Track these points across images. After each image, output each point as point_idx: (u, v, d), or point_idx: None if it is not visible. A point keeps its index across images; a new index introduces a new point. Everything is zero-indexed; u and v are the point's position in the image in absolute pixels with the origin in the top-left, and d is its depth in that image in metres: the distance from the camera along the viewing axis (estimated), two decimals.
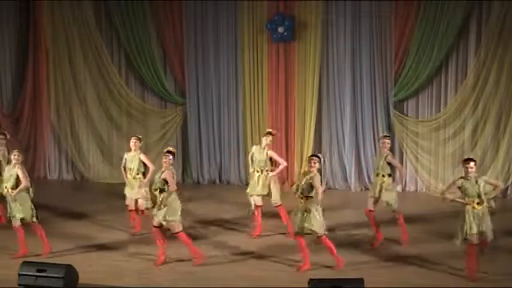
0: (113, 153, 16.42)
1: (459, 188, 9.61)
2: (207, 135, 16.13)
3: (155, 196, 10.20)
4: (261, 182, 11.70)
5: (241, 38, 15.61)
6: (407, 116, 15.23)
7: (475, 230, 9.44)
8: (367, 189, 15.25)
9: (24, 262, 9.14)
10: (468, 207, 9.50)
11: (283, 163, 11.95)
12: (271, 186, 11.73)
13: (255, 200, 11.76)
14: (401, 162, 15.25)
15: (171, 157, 10.20)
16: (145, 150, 15.25)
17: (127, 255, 10.66)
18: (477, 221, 9.46)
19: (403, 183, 15.34)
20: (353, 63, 15.24)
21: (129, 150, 11.94)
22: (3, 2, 16.10)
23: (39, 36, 16.27)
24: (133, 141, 11.86)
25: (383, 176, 11.23)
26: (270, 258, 10.53)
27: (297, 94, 15.52)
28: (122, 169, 11.97)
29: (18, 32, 16.49)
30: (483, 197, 9.49)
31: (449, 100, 14.85)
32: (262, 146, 11.80)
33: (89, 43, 16.16)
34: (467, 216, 9.49)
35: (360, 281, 8.45)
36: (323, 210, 9.93)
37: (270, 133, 12.02)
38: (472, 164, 9.54)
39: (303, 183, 9.87)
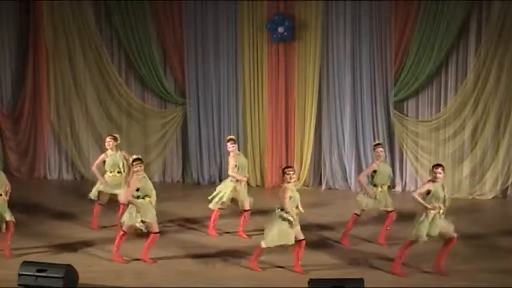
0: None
1: (429, 191, 9.63)
2: (207, 135, 16.13)
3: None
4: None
5: (241, 38, 15.62)
6: (407, 116, 15.23)
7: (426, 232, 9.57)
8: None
9: (24, 262, 9.13)
10: (433, 211, 9.54)
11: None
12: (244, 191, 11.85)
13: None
14: (401, 162, 15.30)
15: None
16: (145, 150, 15.38)
17: (127, 255, 10.65)
18: (435, 224, 9.54)
19: (403, 183, 15.37)
20: (353, 63, 15.23)
21: (106, 149, 12.21)
22: (3, 3, 16.10)
23: (39, 36, 16.26)
24: (107, 141, 12.12)
25: (383, 185, 11.27)
26: (270, 258, 10.50)
27: (297, 94, 15.52)
28: (95, 169, 12.15)
29: (18, 32, 16.48)
30: (446, 203, 9.59)
31: (449, 100, 14.86)
32: (238, 152, 11.87)
33: (89, 43, 16.16)
34: (429, 218, 9.56)
35: (360, 281, 8.45)
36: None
37: (234, 140, 12.00)
38: (440, 169, 9.59)
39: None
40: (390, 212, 11.29)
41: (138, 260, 10.44)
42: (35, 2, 16.19)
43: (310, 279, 8.52)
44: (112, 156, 12.08)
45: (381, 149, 11.34)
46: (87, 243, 11.27)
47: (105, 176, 12.13)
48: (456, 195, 14.58)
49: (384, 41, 15.00)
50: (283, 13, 15.23)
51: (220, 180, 16.03)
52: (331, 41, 15.26)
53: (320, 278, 8.68)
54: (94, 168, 12.20)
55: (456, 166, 14.86)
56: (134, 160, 10.25)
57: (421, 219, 9.55)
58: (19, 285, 8.89)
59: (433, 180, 9.60)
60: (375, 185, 11.23)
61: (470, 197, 14.63)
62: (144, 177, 10.27)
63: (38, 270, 8.83)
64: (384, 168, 11.33)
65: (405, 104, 15.28)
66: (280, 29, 15.11)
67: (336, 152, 15.54)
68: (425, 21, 14.52)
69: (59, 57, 16.37)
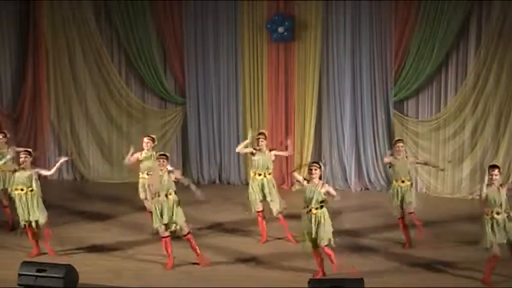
0: (113, 153, 16.43)
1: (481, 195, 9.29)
2: (207, 135, 16.14)
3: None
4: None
5: (241, 38, 15.62)
6: (407, 116, 15.23)
7: (494, 240, 9.18)
8: (367, 189, 15.29)
9: (24, 262, 9.13)
10: (486, 216, 9.26)
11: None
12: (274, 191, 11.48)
13: (259, 206, 11.46)
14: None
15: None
16: None
17: (127, 255, 10.66)
18: (497, 231, 9.16)
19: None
20: (353, 63, 15.24)
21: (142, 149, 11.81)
22: (3, 3, 16.10)
23: (39, 36, 16.27)
24: (145, 142, 11.71)
25: (403, 181, 11.03)
26: (270, 259, 10.52)
27: (297, 94, 15.53)
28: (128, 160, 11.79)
29: (18, 32, 16.49)
30: (504, 206, 9.18)
31: (449, 100, 14.86)
32: (260, 148, 11.49)
33: (89, 43, 16.17)
34: (487, 226, 9.23)
35: (360, 281, 8.45)
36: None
37: (264, 133, 11.74)
38: (496, 171, 9.24)
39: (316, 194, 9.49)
40: (410, 213, 11.06)
41: (138, 260, 10.46)
42: (35, 2, 16.21)
43: (310, 279, 8.52)
44: (147, 157, 11.64)
45: (400, 144, 11.17)
46: (87, 243, 11.27)
47: (140, 178, 11.67)
48: (456, 195, 14.62)
49: (384, 41, 15.01)
50: (283, 13, 15.23)
51: (220, 180, 16.14)
52: (331, 41, 15.27)
53: (320, 278, 8.69)
54: (127, 161, 11.75)
55: (456, 166, 14.85)
56: (158, 156, 10.14)
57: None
58: (19, 285, 8.89)
59: (490, 183, 9.23)
60: (392, 181, 11.25)
61: (470, 197, 14.61)
62: (162, 173, 10.01)
63: (38, 270, 8.84)
64: (398, 164, 11.04)
65: (405, 104, 15.28)
66: (280, 29, 15.12)
67: (336, 152, 15.55)
68: (425, 21, 14.52)
69: (59, 57, 16.38)
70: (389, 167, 11.30)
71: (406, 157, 11.25)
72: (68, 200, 14.44)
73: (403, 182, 11.02)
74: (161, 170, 10.02)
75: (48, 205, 13.26)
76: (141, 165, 11.75)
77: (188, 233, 10.24)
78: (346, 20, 15.12)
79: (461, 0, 14.25)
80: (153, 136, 12.05)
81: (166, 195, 9.99)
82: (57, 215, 13.04)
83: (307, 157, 15.48)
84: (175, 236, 10.42)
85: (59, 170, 16.63)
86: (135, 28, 15.83)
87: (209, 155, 16.18)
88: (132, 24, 15.83)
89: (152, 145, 11.78)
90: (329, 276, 9.08)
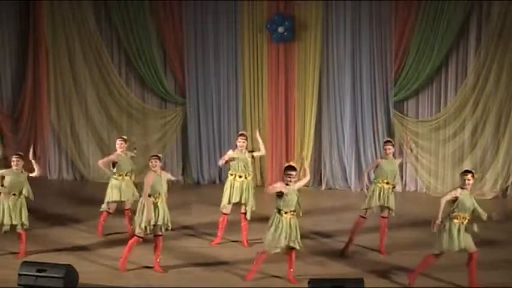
0: (112, 153, 16.39)
1: (454, 199, 9.21)
2: (207, 135, 16.14)
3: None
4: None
5: (241, 38, 15.63)
6: (407, 116, 15.24)
7: (456, 247, 9.15)
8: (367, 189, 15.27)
9: (24, 262, 9.13)
10: (456, 220, 9.20)
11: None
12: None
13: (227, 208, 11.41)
14: (400, 162, 15.26)
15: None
16: (145, 150, 15.34)
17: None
18: (456, 237, 9.12)
19: (403, 183, 15.35)
20: (353, 63, 15.25)
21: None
22: (4, 3, 16.10)
23: (39, 36, 16.25)
24: (119, 143, 11.71)
25: (387, 183, 10.86)
26: (269, 259, 10.49)
27: (297, 94, 15.53)
28: (102, 164, 11.72)
29: (18, 32, 16.48)
30: (478, 211, 9.21)
31: (449, 100, 14.87)
32: (240, 149, 11.27)
33: (89, 43, 16.16)
34: (454, 229, 9.15)
35: (360, 281, 8.45)
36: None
37: (244, 135, 11.51)
38: (469, 175, 9.22)
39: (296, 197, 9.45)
40: (383, 217, 10.93)
41: (138, 259, 10.45)
42: (35, 2, 16.20)
43: (310, 279, 8.52)
44: (123, 159, 11.65)
45: (389, 146, 10.91)
46: (88, 243, 11.27)
47: (112, 179, 11.66)
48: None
49: (384, 41, 15.02)
50: (283, 13, 15.24)
51: (221, 180, 16.12)
52: (331, 41, 15.27)
53: (320, 278, 8.68)
54: (100, 163, 11.75)
55: (456, 166, 14.85)
56: (151, 156, 10.08)
57: (444, 229, 9.15)
58: (19, 285, 8.89)
59: (462, 187, 9.23)
60: (375, 179, 10.96)
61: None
62: (158, 175, 10.00)
63: (38, 270, 8.83)
64: (386, 165, 10.87)
65: (405, 104, 15.29)
66: (280, 29, 15.12)
67: (336, 152, 15.55)
68: (425, 21, 14.54)
69: (59, 57, 16.36)
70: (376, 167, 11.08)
71: (395, 157, 11.06)
72: (68, 200, 14.44)
73: (387, 183, 10.82)
74: (155, 171, 10.01)
75: (47, 205, 13.33)
76: (116, 167, 11.70)
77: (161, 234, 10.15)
78: (346, 20, 15.14)
79: (461, 0, 14.27)
80: (125, 137, 12.00)
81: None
82: (56, 215, 13.07)
83: (307, 157, 15.46)
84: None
85: (59, 170, 16.77)
86: (135, 28, 15.83)
87: (209, 155, 16.18)
88: (132, 24, 15.82)
89: (125, 146, 11.75)
90: (329, 276, 9.07)
